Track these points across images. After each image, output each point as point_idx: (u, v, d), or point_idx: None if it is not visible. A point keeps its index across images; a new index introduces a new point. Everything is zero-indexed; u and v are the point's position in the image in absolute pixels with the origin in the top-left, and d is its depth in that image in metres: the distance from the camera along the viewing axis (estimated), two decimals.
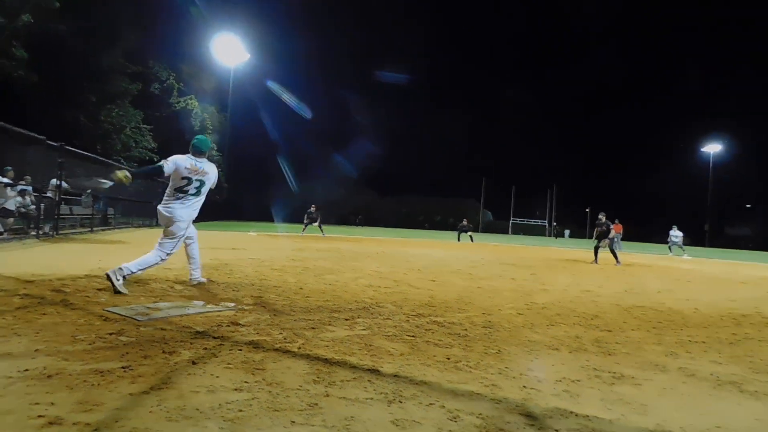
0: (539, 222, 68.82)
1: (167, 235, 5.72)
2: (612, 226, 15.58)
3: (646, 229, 48.50)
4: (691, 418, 2.55)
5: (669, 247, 25.11)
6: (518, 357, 3.55)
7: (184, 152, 5.87)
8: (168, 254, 5.70)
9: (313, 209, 25.39)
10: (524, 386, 2.89)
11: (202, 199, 5.97)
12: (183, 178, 5.68)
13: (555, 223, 66.15)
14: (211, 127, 42.40)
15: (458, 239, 29.59)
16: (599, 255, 15.52)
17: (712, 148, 61.47)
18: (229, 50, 42.40)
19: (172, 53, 38.46)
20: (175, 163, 5.65)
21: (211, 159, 6.10)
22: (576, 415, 2.48)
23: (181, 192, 5.73)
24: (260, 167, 58.32)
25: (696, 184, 60.03)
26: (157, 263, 5.64)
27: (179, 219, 5.72)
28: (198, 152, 5.87)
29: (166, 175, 5.65)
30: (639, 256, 22.82)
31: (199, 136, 6.04)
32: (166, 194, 5.79)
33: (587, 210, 65.80)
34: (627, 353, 3.85)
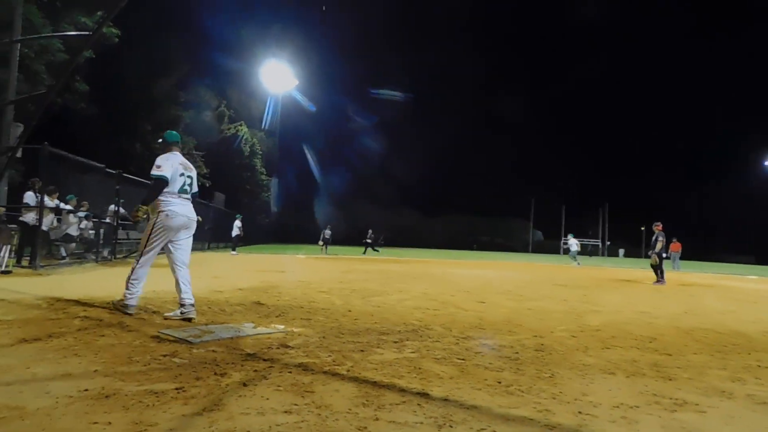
0: (591, 242, 66.87)
1: (184, 237, 5.49)
2: (659, 239, 14.54)
3: (705, 248, 46.54)
4: None
5: (572, 256, 26.43)
6: (572, 381, 3.44)
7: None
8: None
9: (370, 232, 27.25)
10: (579, 412, 2.80)
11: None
12: (181, 175, 5.43)
13: (602, 242, 64.06)
14: (260, 152, 43.50)
15: (364, 252, 30.01)
16: (663, 272, 14.31)
17: None
18: (277, 77, 43.61)
19: (223, 81, 39.91)
20: (171, 164, 5.37)
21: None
22: None
23: (183, 192, 5.48)
24: (306, 191, 59.34)
25: (762, 199, 57.08)
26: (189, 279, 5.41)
27: (194, 218, 5.57)
28: (175, 144, 5.62)
29: (170, 181, 5.33)
30: (699, 275, 21.83)
31: (168, 131, 5.81)
32: (167, 200, 5.35)
33: (642, 228, 63.52)
34: (689, 378, 3.66)
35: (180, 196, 5.43)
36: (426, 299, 7.83)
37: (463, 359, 3.93)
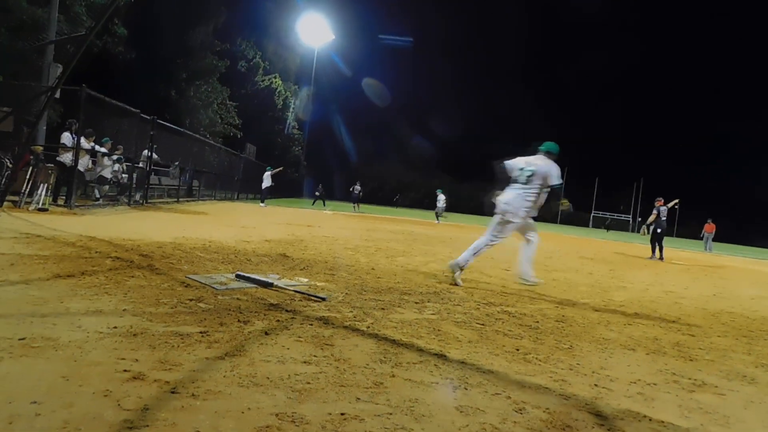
0: (622, 216, 65.60)
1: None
2: (657, 213, 14.16)
3: (743, 230, 45.26)
4: None
5: (435, 214, 26.03)
6: (591, 354, 3.43)
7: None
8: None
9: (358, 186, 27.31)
10: (595, 384, 2.79)
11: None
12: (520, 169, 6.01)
13: (632, 218, 62.64)
14: (293, 106, 43.37)
15: (312, 203, 30.12)
16: (662, 249, 14.26)
17: None
18: (315, 30, 43.03)
19: (259, 32, 39.56)
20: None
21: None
22: (650, 420, 2.36)
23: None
24: (337, 148, 59.11)
25: None
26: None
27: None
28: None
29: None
30: (732, 258, 21.32)
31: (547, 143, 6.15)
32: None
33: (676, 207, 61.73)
34: (711, 360, 3.61)
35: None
36: None
37: (482, 324, 3.95)
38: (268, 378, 2.36)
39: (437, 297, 4.90)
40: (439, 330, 3.61)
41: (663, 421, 2.36)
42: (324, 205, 26.74)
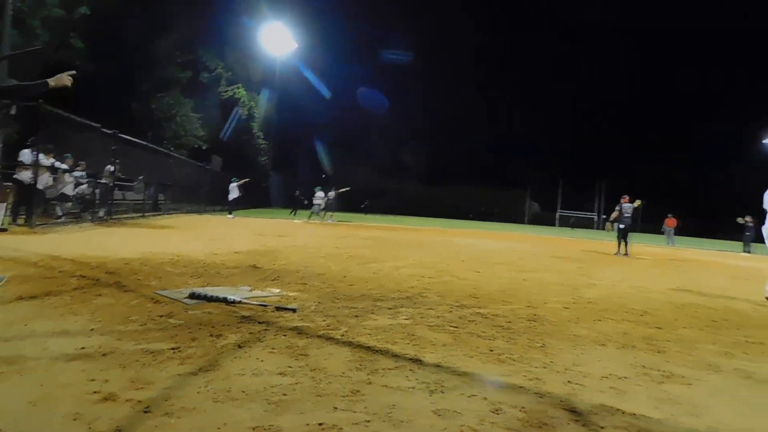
0: (587, 215, 66.99)
1: None
2: (620, 210, 14.79)
3: (707, 225, 46.72)
4: (746, 422, 2.45)
5: (315, 212, 24.76)
6: (563, 351, 3.49)
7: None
8: None
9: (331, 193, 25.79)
10: (569, 381, 2.84)
11: None
12: None
13: (597, 216, 64.06)
14: (258, 116, 43.02)
15: (293, 213, 28.65)
16: (627, 245, 14.71)
17: None
18: (277, 39, 42.80)
19: (221, 42, 39.11)
20: None
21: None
22: (623, 413, 2.42)
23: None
24: (307, 156, 58.73)
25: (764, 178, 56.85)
26: None
27: None
28: None
29: None
30: (695, 251, 21.97)
31: None
32: None
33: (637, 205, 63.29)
34: (678, 352, 3.71)
35: None
36: (422, 267, 7.88)
37: (456, 327, 3.98)
38: (243, 391, 2.33)
39: (410, 302, 4.91)
40: (413, 335, 3.62)
41: (635, 414, 2.41)
42: (295, 214, 25.57)
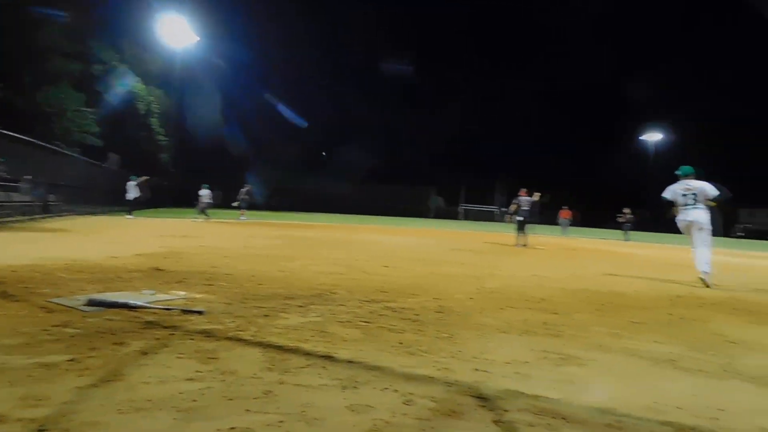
0: (486, 208, 70.08)
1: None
2: (518, 204, 15.86)
3: (596, 215, 50.89)
4: (632, 395, 2.67)
5: (200, 210, 24.13)
6: (470, 341, 3.63)
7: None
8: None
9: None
10: (476, 369, 2.96)
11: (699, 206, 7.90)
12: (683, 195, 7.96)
13: (498, 210, 67.34)
14: (158, 112, 40.92)
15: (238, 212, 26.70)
16: (526, 236, 15.75)
17: (652, 137, 63.66)
18: (176, 32, 40.88)
19: (115, 34, 36.76)
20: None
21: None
22: (526, 396, 2.56)
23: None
24: (215, 153, 56.56)
25: (639, 171, 62.06)
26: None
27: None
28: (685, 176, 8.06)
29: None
30: (586, 240, 23.63)
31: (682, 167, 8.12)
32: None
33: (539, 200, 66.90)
34: (573, 335, 3.99)
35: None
36: (331, 264, 7.88)
37: (367, 322, 4.02)
38: (149, 401, 2.22)
39: (320, 299, 4.90)
40: (324, 332, 3.62)
41: (537, 395, 2.56)
42: (206, 214, 23.98)
